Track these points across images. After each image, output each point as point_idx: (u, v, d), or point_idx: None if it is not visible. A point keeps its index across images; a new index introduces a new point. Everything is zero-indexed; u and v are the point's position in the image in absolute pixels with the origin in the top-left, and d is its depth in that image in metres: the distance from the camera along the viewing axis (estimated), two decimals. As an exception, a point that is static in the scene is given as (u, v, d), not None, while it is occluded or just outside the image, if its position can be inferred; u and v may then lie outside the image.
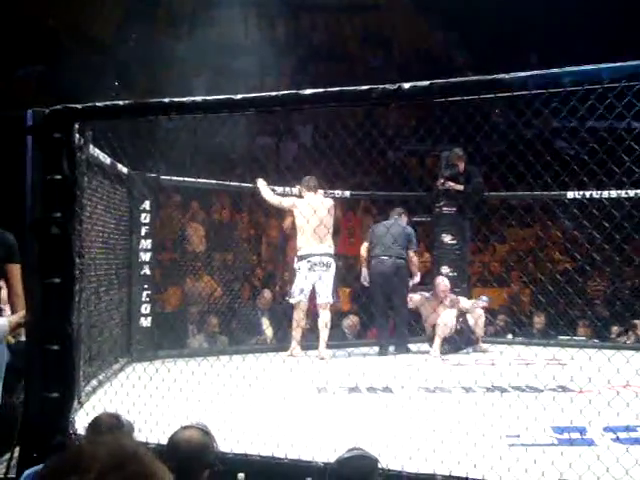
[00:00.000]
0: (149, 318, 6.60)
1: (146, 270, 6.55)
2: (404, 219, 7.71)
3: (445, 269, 7.96)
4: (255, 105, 3.36)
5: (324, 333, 7.10)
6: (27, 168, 3.76)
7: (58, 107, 3.68)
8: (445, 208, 7.97)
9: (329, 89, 3.13)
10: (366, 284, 7.75)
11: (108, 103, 3.65)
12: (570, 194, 8.00)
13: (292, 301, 7.23)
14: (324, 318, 7.12)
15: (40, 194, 3.72)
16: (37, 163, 3.73)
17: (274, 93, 3.26)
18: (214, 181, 7.79)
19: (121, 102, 3.67)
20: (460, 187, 7.97)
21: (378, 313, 7.65)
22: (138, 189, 6.44)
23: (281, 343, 7.61)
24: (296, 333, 7.10)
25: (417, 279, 7.69)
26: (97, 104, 3.66)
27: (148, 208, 6.54)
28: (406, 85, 2.98)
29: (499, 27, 16.38)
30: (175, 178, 7.05)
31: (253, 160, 12.10)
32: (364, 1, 18.11)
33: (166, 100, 3.48)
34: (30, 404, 3.78)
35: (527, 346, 7.96)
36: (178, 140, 8.66)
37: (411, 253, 7.55)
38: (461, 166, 8.00)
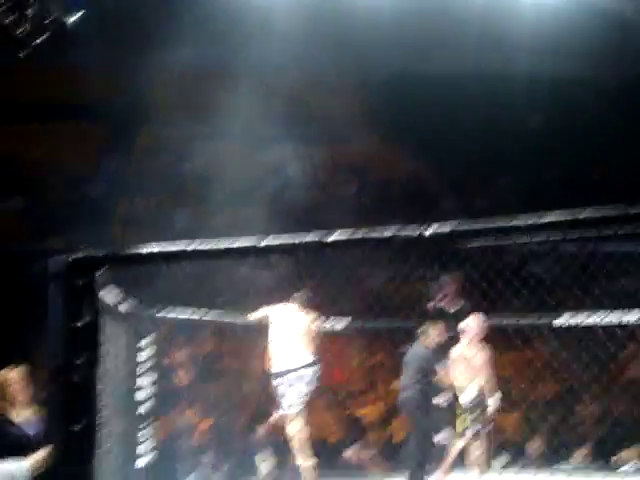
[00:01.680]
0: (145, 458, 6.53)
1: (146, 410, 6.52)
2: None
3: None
4: (281, 251, 3.47)
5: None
6: (50, 315, 3.82)
7: (81, 255, 3.78)
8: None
9: (352, 236, 3.26)
10: None
11: (133, 251, 3.76)
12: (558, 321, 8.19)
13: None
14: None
15: (63, 340, 3.77)
16: (60, 310, 3.79)
17: (298, 239, 3.39)
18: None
19: (146, 249, 3.78)
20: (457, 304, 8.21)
21: None
22: (142, 325, 6.50)
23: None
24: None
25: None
26: (122, 252, 3.76)
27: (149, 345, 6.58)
28: (427, 232, 3.12)
29: (471, 153, 16.96)
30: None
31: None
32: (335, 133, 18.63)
33: (191, 247, 3.60)
34: None
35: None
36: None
37: None
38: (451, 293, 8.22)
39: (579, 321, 8.74)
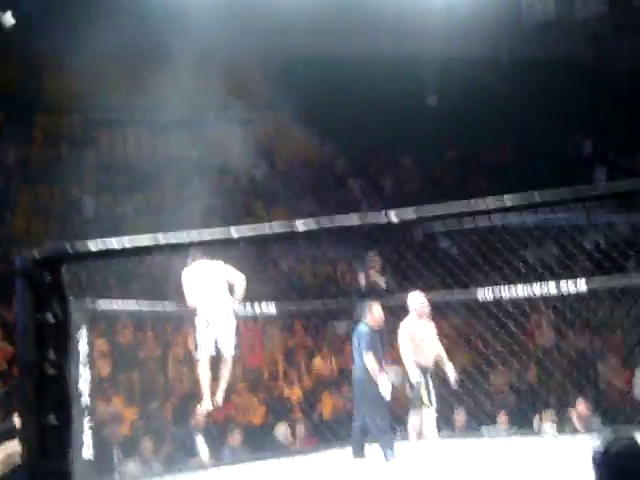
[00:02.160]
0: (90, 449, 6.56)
1: (86, 400, 6.55)
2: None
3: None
4: (252, 241, 3.60)
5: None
6: (18, 310, 3.86)
7: (48, 251, 3.83)
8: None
9: (322, 225, 3.41)
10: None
11: (100, 245, 3.83)
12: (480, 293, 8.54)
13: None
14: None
15: (33, 335, 3.82)
16: (28, 305, 3.84)
17: (269, 229, 3.52)
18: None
19: (114, 243, 3.85)
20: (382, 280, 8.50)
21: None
22: (75, 317, 6.50)
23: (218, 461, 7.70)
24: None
25: None
26: (89, 246, 3.83)
27: (85, 336, 6.59)
28: (394, 219, 3.29)
29: (374, 135, 17.29)
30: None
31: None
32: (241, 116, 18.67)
33: (161, 240, 3.69)
34: None
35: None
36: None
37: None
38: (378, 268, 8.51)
39: (489, 296, 9.11)
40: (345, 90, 17.48)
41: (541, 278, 10.09)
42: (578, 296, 9.43)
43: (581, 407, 9.24)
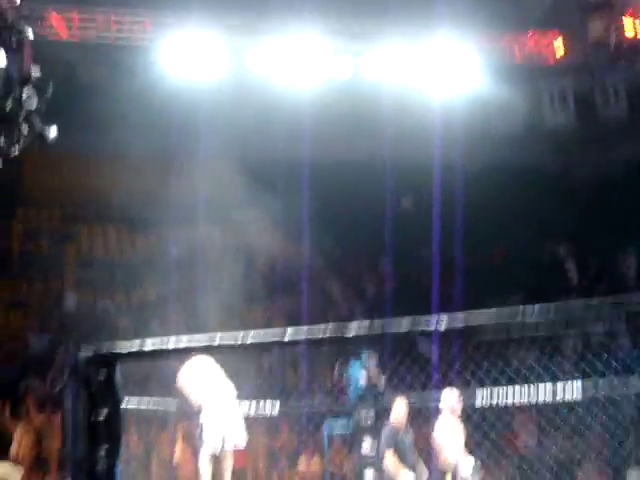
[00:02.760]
0: None
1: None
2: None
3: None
4: (307, 343, 3.82)
5: None
6: (69, 407, 4.02)
7: (102, 350, 4.02)
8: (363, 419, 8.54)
9: (370, 331, 3.65)
10: None
11: (154, 346, 4.03)
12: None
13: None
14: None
15: (84, 431, 3.97)
16: (81, 402, 3.99)
17: (317, 332, 3.75)
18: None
19: (165, 344, 4.05)
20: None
21: None
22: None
23: None
24: None
25: None
26: (143, 347, 4.02)
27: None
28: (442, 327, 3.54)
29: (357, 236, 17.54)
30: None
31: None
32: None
33: (212, 342, 3.90)
34: None
35: None
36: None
37: None
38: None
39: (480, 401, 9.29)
40: (326, 193, 17.88)
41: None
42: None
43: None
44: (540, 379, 10.69)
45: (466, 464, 7.95)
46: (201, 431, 7.44)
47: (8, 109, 6.49)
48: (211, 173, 17.87)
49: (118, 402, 4.06)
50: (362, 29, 13.77)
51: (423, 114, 19.47)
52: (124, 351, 4.02)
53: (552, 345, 12.98)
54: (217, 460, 7.44)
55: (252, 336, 4.06)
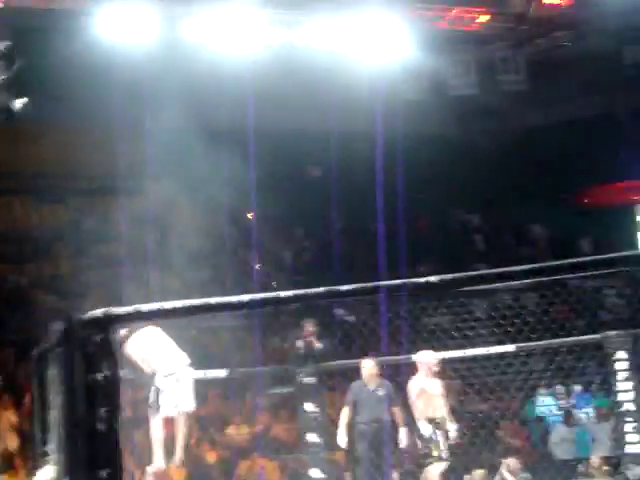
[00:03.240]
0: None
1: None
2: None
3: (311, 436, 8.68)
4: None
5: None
6: (66, 370, 4.08)
7: (98, 313, 4.09)
8: (306, 379, 8.81)
9: (366, 284, 3.83)
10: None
11: (151, 306, 4.13)
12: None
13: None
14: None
15: (83, 393, 4.04)
16: (78, 365, 4.06)
17: (313, 290, 3.91)
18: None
19: (163, 304, 4.15)
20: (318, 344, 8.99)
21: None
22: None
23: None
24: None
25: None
26: (139, 308, 4.11)
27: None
28: (433, 279, 3.76)
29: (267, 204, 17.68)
30: None
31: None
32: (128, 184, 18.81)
33: (212, 301, 4.01)
34: None
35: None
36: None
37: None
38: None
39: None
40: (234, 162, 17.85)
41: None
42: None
43: (512, 463, 9.86)
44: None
45: (453, 426, 8.25)
46: (156, 396, 7.52)
47: None
48: (128, 143, 17.69)
49: (115, 365, 4.13)
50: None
51: (344, 84, 19.56)
52: (121, 313, 4.10)
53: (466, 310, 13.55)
54: (170, 424, 7.55)
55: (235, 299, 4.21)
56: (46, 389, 5.94)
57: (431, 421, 8.10)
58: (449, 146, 22.06)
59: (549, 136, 20.53)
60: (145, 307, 4.15)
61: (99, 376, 4.08)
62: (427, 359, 8.44)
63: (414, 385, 8.35)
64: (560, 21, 14.81)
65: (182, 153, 17.74)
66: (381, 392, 8.69)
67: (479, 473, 9.98)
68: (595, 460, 10.51)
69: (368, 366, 8.79)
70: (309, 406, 8.92)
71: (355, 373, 9.19)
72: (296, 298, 4.08)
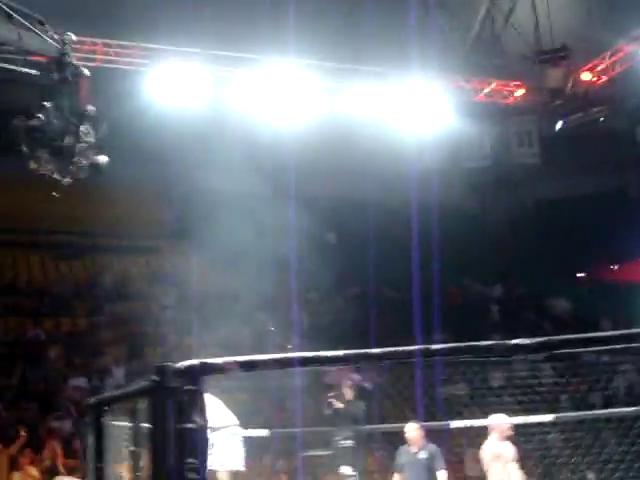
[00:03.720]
0: None
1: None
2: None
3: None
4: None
5: None
6: (160, 418, 4.14)
7: (190, 364, 4.17)
8: (342, 441, 8.88)
9: (460, 344, 3.93)
10: None
11: (243, 358, 4.22)
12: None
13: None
14: None
15: (174, 442, 4.10)
16: (171, 413, 4.12)
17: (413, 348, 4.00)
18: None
19: (254, 357, 4.24)
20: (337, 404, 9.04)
21: None
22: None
23: None
24: None
25: None
26: (228, 360, 4.19)
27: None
28: (522, 341, 3.86)
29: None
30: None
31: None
32: (146, 243, 18.98)
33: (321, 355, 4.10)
34: None
35: None
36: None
37: None
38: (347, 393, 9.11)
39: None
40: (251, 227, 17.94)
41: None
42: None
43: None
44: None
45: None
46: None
47: (66, 144, 6.66)
48: (139, 202, 17.88)
49: (204, 414, 4.20)
50: (339, 67, 14.15)
51: (350, 150, 19.81)
52: (213, 363, 4.18)
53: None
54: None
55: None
56: (102, 441, 5.96)
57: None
58: (465, 215, 22.26)
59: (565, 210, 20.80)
60: (236, 359, 4.24)
61: (190, 425, 4.15)
62: (500, 423, 8.43)
63: (487, 449, 8.32)
64: (595, 98, 15.14)
65: (201, 215, 17.86)
66: (424, 455, 8.70)
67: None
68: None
69: (411, 429, 8.83)
70: (346, 469, 8.95)
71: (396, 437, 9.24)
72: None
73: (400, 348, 4.11)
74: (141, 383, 4.68)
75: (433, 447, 8.97)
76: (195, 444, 4.15)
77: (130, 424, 6.07)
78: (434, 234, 20.23)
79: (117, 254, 18.13)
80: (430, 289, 18.84)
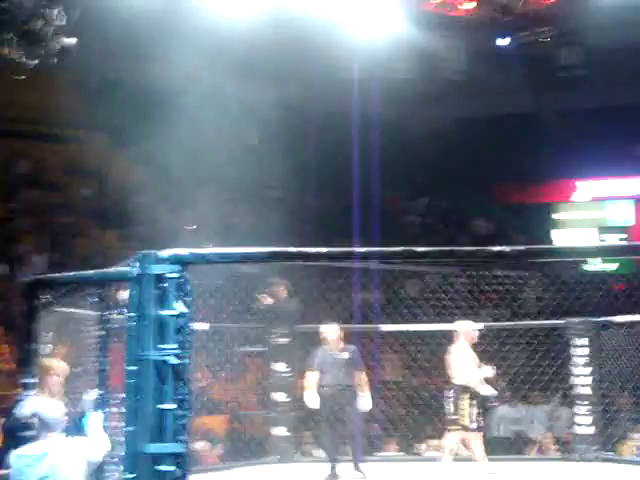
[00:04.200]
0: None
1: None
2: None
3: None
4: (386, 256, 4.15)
5: None
6: (139, 305, 4.17)
7: (176, 252, 4.20)
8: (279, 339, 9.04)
9: (442, 248, 4.05)
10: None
11: (221, 250, 4.25)
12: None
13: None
14: None
15: (157, 328, 4.15)
16: (154, 301, 4.16)
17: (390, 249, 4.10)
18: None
19: (232, 249, 4.28)
20: (269, 300, 9.20)
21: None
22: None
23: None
24: None
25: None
26: (212, 250, 4.23)
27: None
28: (507, 249, 4.02)
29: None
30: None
31: None
32: (64, 132, 18.49)
33: (291, 250, 4.16)
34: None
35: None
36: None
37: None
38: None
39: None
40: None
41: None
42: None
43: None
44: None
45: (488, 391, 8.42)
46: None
47: (38, 28, 6.44)
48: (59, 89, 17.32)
49: (189, 302, 4.25)
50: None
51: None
52: (201, 253, 4.22)
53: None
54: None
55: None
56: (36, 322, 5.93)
57: (465, 389, 8.27)
58: (387, 126, 22.29)
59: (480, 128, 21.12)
60: (221, 250, 4.28)
61: (173, 312, 4.20)
62: (467, 328, 8.62)
63: (453, 352, 8.49)
64: (544, 17, 15.24)
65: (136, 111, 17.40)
66: (344, 355, 8.82)
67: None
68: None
69: (330, 330, 8.89)
70: (280, 366, 9.12)
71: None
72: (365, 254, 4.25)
73: (385, 248, 4.21)
74: (118, 269, 4.69)
75: (352, 347, 9.06)
76: (177, 331, 4.21)
77: (88, 311, 6.07)
78: (360, 144, 20.35)
79: (34, 141, 17.62)
80: (351, 199, 19.07)
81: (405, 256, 4.16)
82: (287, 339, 9.20)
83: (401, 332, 10.78)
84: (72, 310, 6.02)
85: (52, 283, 5.99)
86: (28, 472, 4.31)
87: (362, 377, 8.88)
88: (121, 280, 4.72)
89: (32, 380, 5.88)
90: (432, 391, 10.74)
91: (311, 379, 8.69)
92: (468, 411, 8.19)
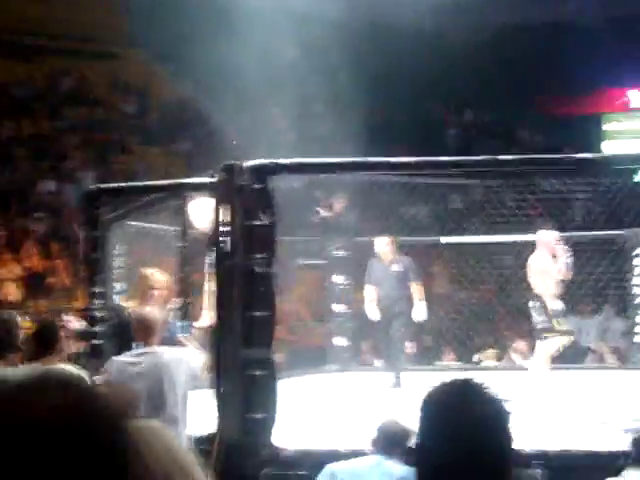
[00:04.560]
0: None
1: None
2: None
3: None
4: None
5: None
6: (229, 216, 4.22)
7: (260, 162, 4.23)
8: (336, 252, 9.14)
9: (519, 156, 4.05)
10: None
11: (303, 160, 4.27)
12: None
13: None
14: None
15: (242, 238, 4.21)
16: (240, 212, 4.21)
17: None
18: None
19: (312, 159, 4.30)
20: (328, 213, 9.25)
21: None
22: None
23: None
24: None
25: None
26: (293, 160, 4.26)
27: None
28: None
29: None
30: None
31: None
32: (105, 49, 18.40)
33: (372, 160, 4.18)
34: (228, 427, 4.18)
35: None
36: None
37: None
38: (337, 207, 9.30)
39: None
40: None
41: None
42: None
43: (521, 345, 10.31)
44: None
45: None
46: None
47: None
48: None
49: (273, 210, 4.30)
50: None
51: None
52: (283, 163, 4.25)
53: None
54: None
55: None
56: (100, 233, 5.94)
57: (539, 297, 8.22)
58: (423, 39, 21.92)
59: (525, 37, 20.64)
60: (306, 160, 4.30)
61: (259, 222, 4.25)
62: (548, 238, 8.50)
63: (534, 262, 8.37)
64: None
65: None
66: (398, 268, 8.82)
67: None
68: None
69: (382, 243, 8.88)
70: (339, 278, 9.23)
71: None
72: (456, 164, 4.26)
73: (467, 157, 4.21)
74: (201, 179, 4.73)
75: (407, 259, 9.06)
76: (264, 240, 4.27)
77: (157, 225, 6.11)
78: (396, 56, 20.05)
79: (78, 58, 17.56)
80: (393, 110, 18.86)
81: (484, 165, 4.17)
82: (345, 252, 9.28)
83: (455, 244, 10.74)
84: (145, 225, 6.07)
85: (117, 192, 6.01)
86: (130, 370, 4.31)
87: (417, 288, 8.85)
88: (200, 190, 4.76)
89: (100, 289, 5.92)
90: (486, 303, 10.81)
91: (369, 292, 8.77)
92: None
